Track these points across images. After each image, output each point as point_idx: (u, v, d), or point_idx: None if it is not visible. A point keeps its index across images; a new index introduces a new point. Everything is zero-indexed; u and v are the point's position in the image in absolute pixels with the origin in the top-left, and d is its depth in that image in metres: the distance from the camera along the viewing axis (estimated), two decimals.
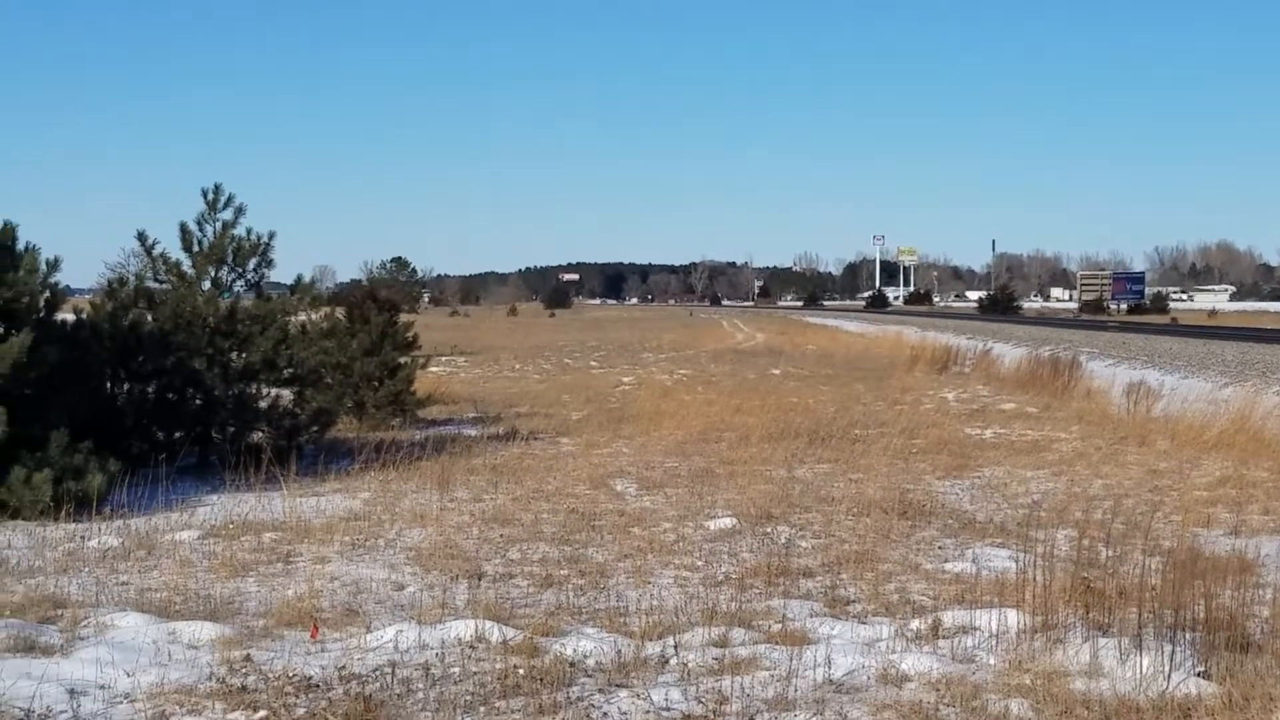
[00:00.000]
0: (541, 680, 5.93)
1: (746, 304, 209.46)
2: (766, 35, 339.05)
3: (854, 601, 7.69)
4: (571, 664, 6.27)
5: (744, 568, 8.61)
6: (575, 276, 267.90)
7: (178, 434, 13.48)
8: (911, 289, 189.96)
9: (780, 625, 6.94)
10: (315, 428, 14.67)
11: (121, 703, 5.75)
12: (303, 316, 16.32)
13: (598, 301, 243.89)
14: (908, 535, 9.73)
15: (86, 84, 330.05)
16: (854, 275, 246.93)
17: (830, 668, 6.14)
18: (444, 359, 34.13)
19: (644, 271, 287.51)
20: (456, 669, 6.20)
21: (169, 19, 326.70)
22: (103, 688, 5.91)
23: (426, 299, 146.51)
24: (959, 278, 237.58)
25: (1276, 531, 9.81)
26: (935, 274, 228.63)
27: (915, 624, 6.94)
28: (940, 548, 9.32)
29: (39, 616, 7.17)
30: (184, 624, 6.92)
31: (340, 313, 19.71)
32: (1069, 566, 7.35)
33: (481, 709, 5.67)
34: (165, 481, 11.74)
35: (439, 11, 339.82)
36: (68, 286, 12.80)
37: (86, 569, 8.68)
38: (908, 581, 8.22)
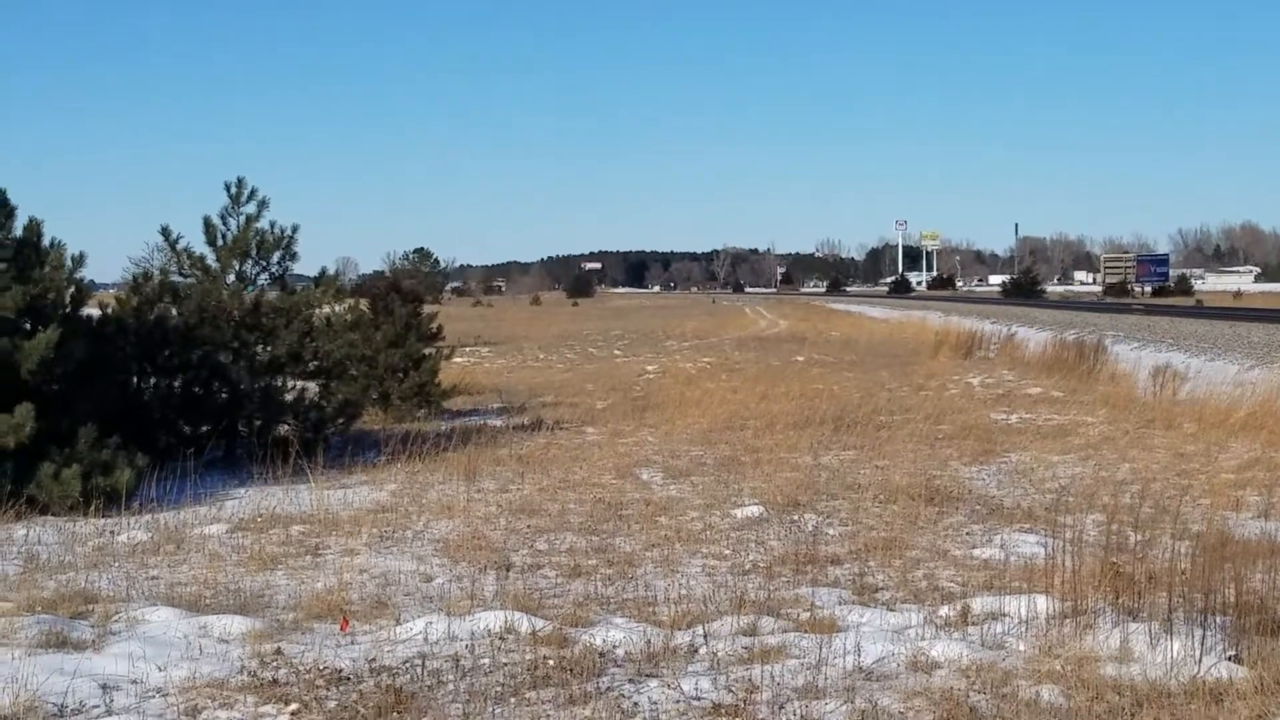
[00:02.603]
0: (571, 671, 5.95)
1: (769, 291, 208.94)
2: (786, 22, 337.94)
3: (882, 589, 7.68)
4: (601, 654, 6.28)
5: (772, 556, 8.61)
6: (598, 265, 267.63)
7: (204, 428, 13.54)
8: (934, 274, 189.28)
9: (809, 613, 6.94)
10: (341, 420, 14.70)
11: (154, 697, 5.78)
12: (327, 309, 16.36)
13: (620, 290, 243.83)
14: (935, 522, 9.72)
15: (110, 80, 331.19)
16: (876, 260, 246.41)
17: (860, 655, 6.13)
18: (468, 349, 34.19)
19: (666, 259, 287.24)
20: (486, 660, 6.22)
21: (191, 14, 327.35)
22: (135, 682, 5.95)
23: (449, 289, 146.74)
24: (982, 262, 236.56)
25: None
26: (958, 258, 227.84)
27: (944, 611, 6.94)
28: (968, 534, 9.31)
29: (70, 612, 7.21)
30: (214, 618, 6.95)
31: (364, 305, 19.77)
32: (1098, 551, 7.34)
33: (512, 700, 5.69)
34: (193, 475, 11.79)
35: (459, 2, 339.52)
36: (92, 282, 12.86)
37: (116, 564, 8.73)
38: (936, 568, 8.21)
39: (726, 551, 8.86)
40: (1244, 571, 6.71)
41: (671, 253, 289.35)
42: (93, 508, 10.33)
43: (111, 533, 9.75)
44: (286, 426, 14.18)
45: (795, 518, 9.93)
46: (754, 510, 10.18)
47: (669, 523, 9.86)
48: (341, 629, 6.81)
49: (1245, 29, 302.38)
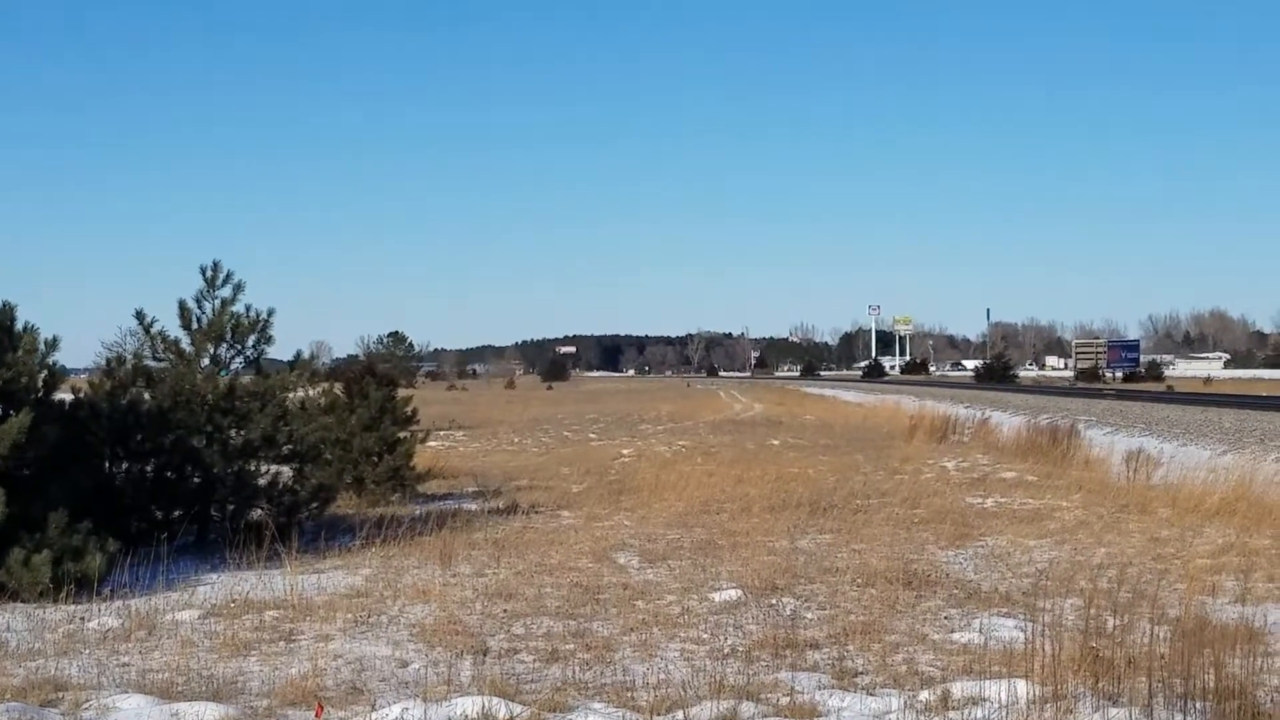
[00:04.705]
0: None
1: (743, 374, 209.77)
2: (758, 106, 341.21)
3: (862, 673, 7.64)
4: None
5: (750, 640, 8.56)
6: (572, 349, 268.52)
7: (177, 512, 13.44)
8: (907, 358, 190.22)
9: (789, 698, 6.89)
10: (315, 504, 14.62)
11: None
12: (301, 392, 16.32)
13: (595, 373, 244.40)
14: (913, 605, 9.70)
15: (81, 164, 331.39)
16: (850, 345, 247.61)
17: None
18: (443, 433, 34.11)
19: (640, 343, 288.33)
20: None
21: (161, 96, 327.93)
22: None
23: (424, 373, 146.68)
24: (954, 347, 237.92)
25: None
26: (931, 343, 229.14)
27: (924, 695, 6.90)
28: (946, 618, 9.28)
29: (40, 699, 7.11)
30: (186, 705, 6.86)
31: (339, 388, 19.72)
32: (1076, 636, 7.33)
33: None
34: (165, 560, 11.69)
35: (429, 81, 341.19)
36: (64, 366, 12.82)
37: (87, 650, 8.62)
38: (915, 652, 8.18)
39: (705, 635, 8.81)
40: (1223, 657, 6.69)
41: (646, 336, 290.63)
42: (63, 594, 10.21)
43: (82, 619, 9.64)
44: (260, 511, 14.08)
45: (773, 601, 9.89)
46: (732, 594, 10.14)
47: (646, 606, 9.81)
48: (316, 716, 6.72)
49: (1215, 118, 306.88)
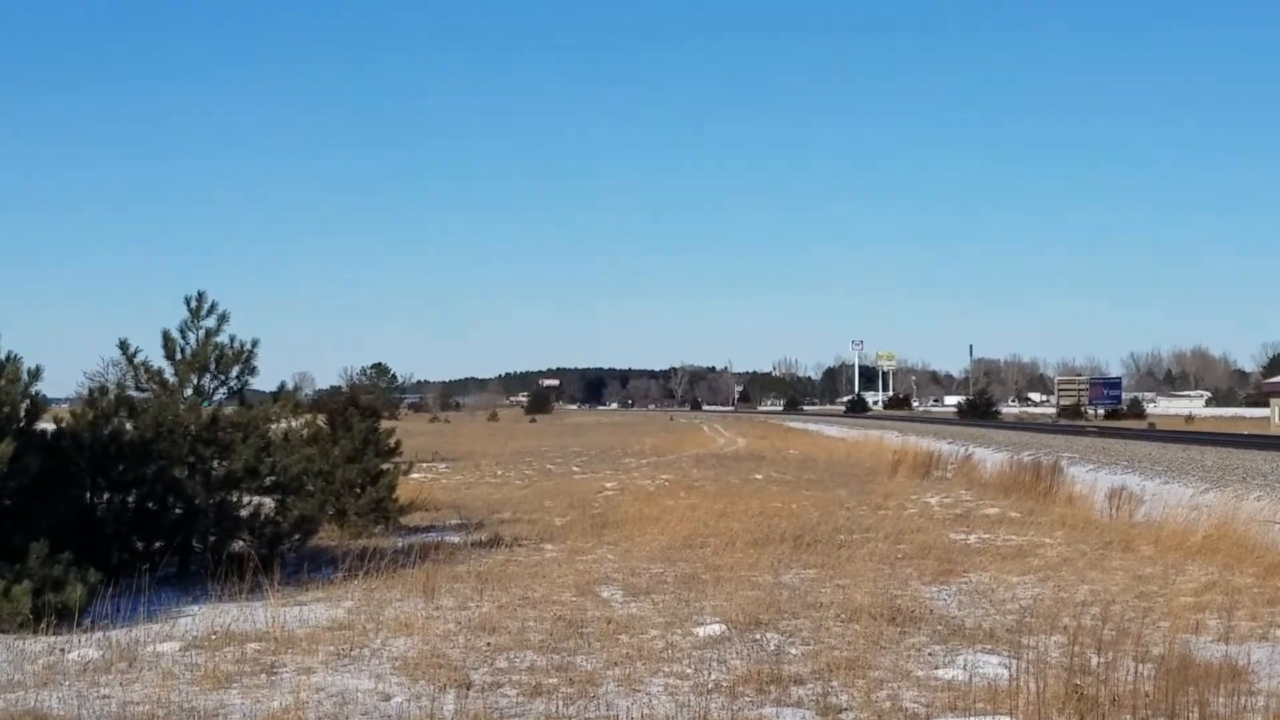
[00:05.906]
0: None
1: (726, 409, 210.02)
2: (738, 141, 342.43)
3: (846, 709, 7.62)
4: None
5: (734, 675, 8.54)
6: (556, 382, 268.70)
7: (158, 543, 13.38)
8: (890, 394, 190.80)
9: None
10: (297, 536, 14.56)
11: None
12: (285, 424, 16.27)
13: (578, 407, 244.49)
14: (897, 641, 9.68)
15: (65, 192, 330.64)
16: (833, 380, 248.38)
17: None
18: (425, 465, 34.04)
19: (624, 376, 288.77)
20: None
21: (145, 125, 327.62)
22: None
23: (407, 405, 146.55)
24: (937, 382, 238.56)
25: (1265, 638, 9.79)
26: (914, 379, 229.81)
27: None
28: (930, 654, 9.27)
29: None
30: None
31: (322, 420, 19.67)
32: (1060, 673, 7.32)
33: None
34: (146, 592, 11.62)
35: (411, 111, 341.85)
36: (45, 396, 12.78)
37: (67, 682, 8.56)
38: (900, 689, 8.16)
39: (688, 670, 8.78)
40: (1207, 694, 6.71)
41: (629, 370, 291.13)
42: (43, 625, 10.15)
43: (62, 650, 9.57)
44: (242, 542, 14.03)
45: (757, 636, 9.87)
46: (716, 629, 10.12)
47: (630, 641, 9.78)
48: None
49: (1199, 155, 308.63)
